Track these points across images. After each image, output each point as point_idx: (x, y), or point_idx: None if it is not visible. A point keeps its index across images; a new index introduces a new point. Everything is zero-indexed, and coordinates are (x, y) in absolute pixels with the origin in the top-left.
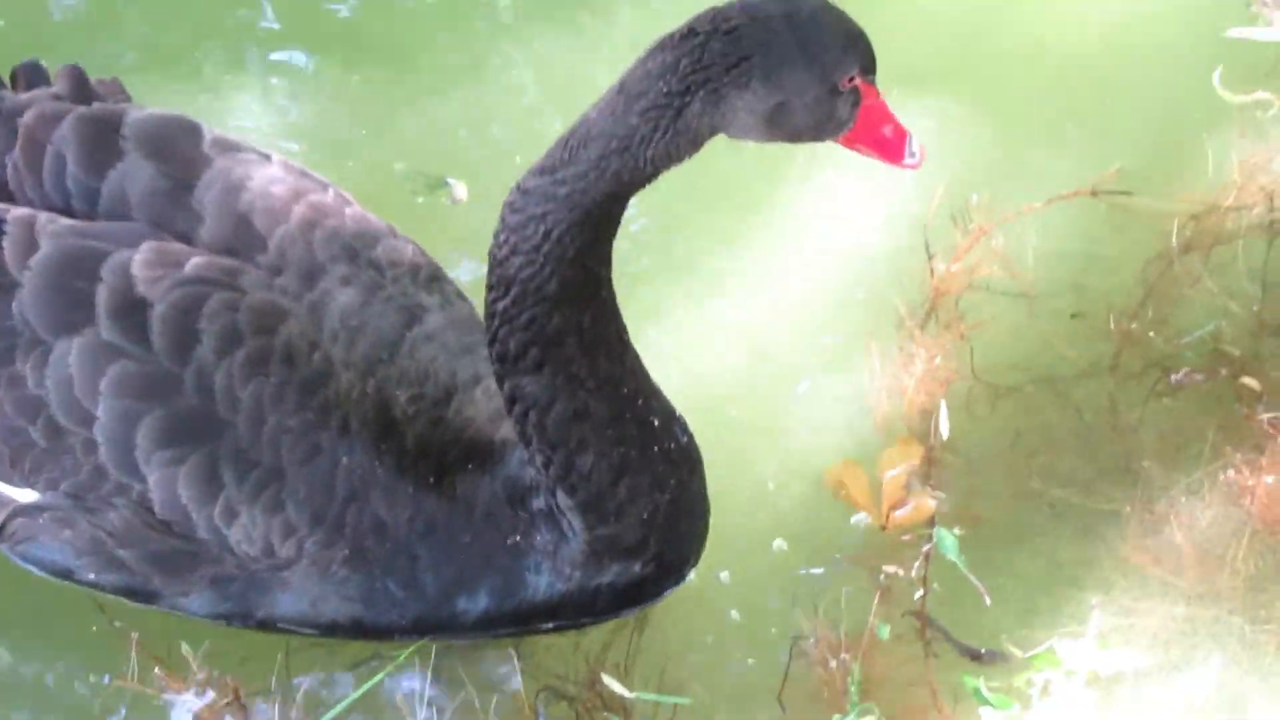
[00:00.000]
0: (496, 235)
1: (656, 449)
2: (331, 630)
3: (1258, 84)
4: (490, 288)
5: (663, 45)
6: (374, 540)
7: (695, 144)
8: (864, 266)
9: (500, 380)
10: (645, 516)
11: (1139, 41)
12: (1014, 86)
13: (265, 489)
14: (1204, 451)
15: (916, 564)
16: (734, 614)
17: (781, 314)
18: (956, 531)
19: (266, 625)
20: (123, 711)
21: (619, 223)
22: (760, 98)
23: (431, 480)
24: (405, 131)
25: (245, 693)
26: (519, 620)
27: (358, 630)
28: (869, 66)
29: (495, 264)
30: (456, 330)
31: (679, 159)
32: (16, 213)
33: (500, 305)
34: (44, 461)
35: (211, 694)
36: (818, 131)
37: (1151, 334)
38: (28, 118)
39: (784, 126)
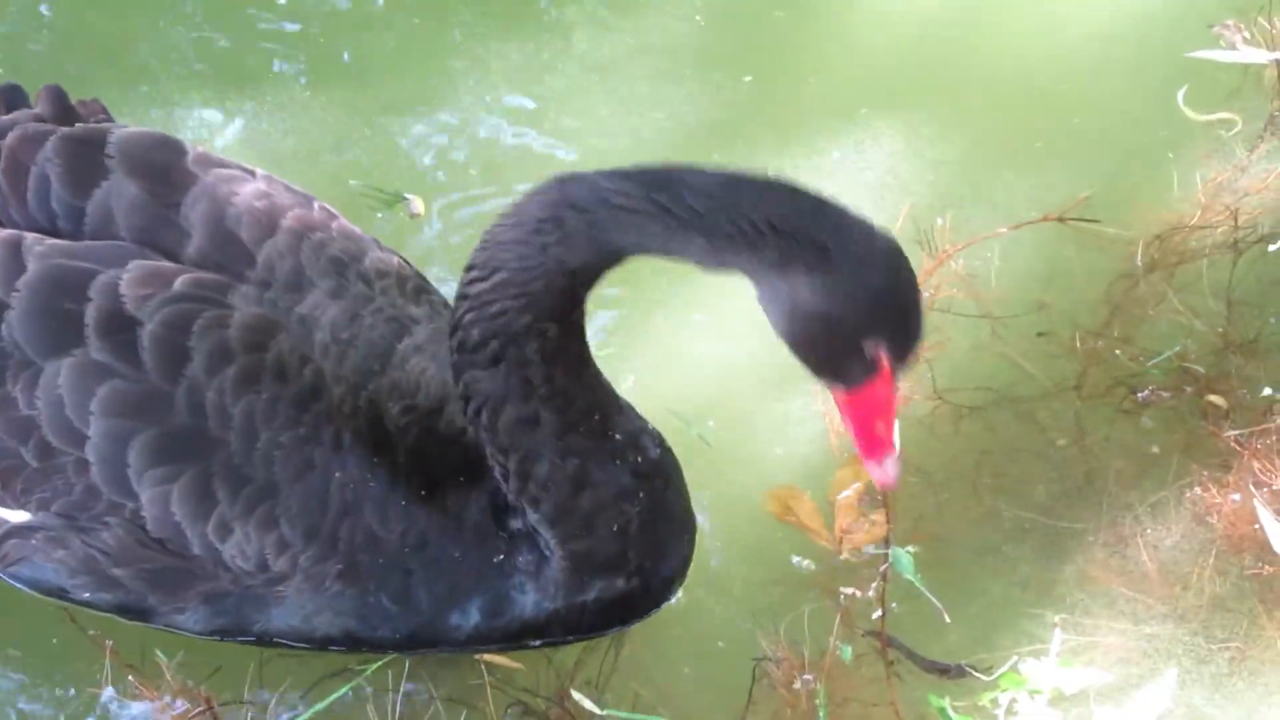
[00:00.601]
0: (505, 216)
1: (619, 462)
2: (325, 645)
3: (1221, 104)
4: (471, 268)
5: (791, 189)
6: (367, 555)
7: (718, 268)
8: None
9: (457, 373)
10: (616, 529)
11: (1104, 62)
12: (982, 106)
13: (259, 505)
14: (1170, 470)
15: (874, 584)
16: (698, 636)
17: (745, 335)
18: (912, 549)
19: (261, 640)
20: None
21: (621, 260)
22: (807, 291)
23: (424, 493)
24: (361, 149)
25: (217, 702)
26: (510, 637)
27: (351, 644)
28: (901, 353)
29: (490, 244)
30: (445, 341)
31: (704, 264)
32: (2, 234)
33: (475, 288)
34: (36, 482)
35: (184, 704)
36: (821, 365)
37: (1117, 352)
38: (10, 139)
39: (797, 330)
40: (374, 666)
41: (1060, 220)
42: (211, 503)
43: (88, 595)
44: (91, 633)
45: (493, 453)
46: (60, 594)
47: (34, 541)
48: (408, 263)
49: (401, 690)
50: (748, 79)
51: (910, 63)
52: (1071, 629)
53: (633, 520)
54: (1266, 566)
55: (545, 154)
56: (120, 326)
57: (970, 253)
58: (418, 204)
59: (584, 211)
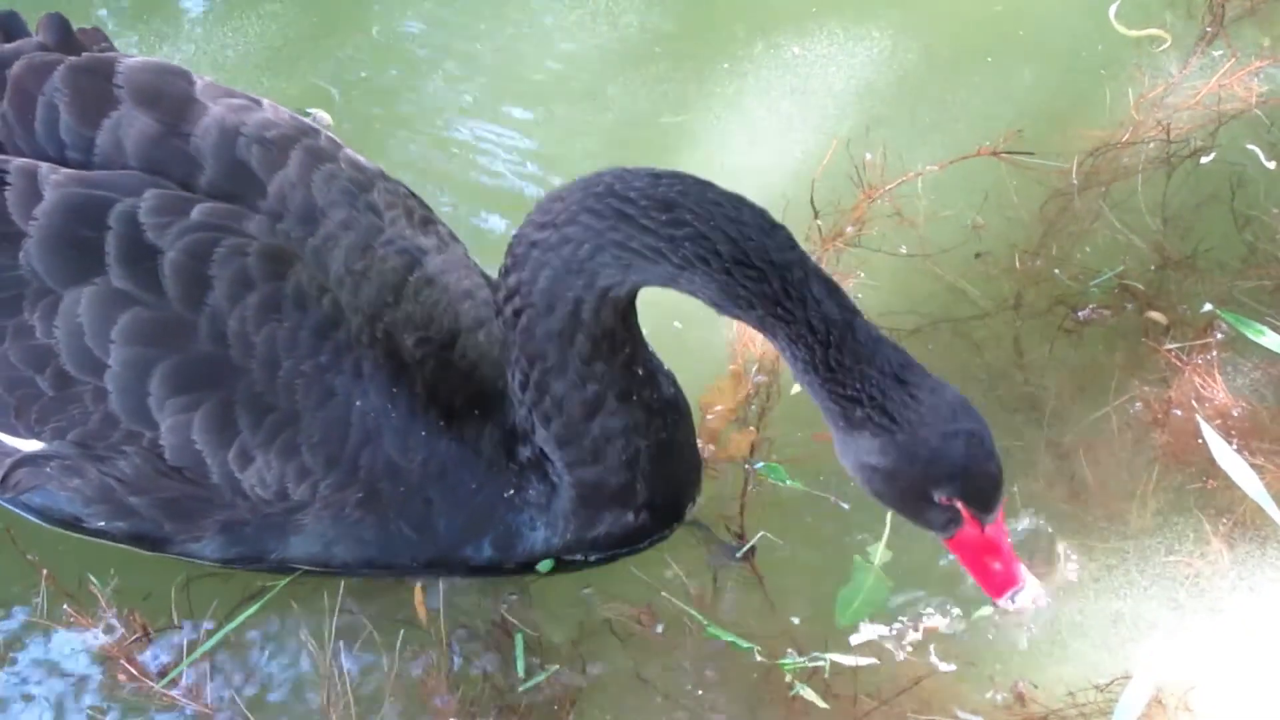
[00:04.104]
0: (593, 181)
1: (636, 396)
2: (343, 571)
3: (1153, 18)
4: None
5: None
6: (388, 483)
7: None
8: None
9: (511, 255)
10: (625, 459)
11: None
12: (933, 15)
13: (280, 433)
14: (1111, 386)
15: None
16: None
17: None
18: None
19: (278, 568)
20: (30, 647)
21: None
22: (870, 451)
23: (442, 424)
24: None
25: (152, 628)
26: (524, 567)
27: (370, 571)
28: (975, 502)
29: (582, 199)
30: (455, 273)
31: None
32: (18, 163)
33: (563, 193)
34: (51, 411)
35: (120, 630)
36: (908, 515)
37: (1056, 271)
38: (16, 69)
39: (873, 485)
40: (284, 582)
41: (994, 154)
42: (233, 431)
43: (102, 524)
44: (30, 557)
45: (518, 356)
46: (74, 522)
47: (48, 470)
48: (413, 193)
49: (338, 609)
50: None
51: None
52: (1019, 546)
53: (641, 453)
54: (1210, 480)
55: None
56: (141, 254)
57: (906, 172)
58: (324, 116)
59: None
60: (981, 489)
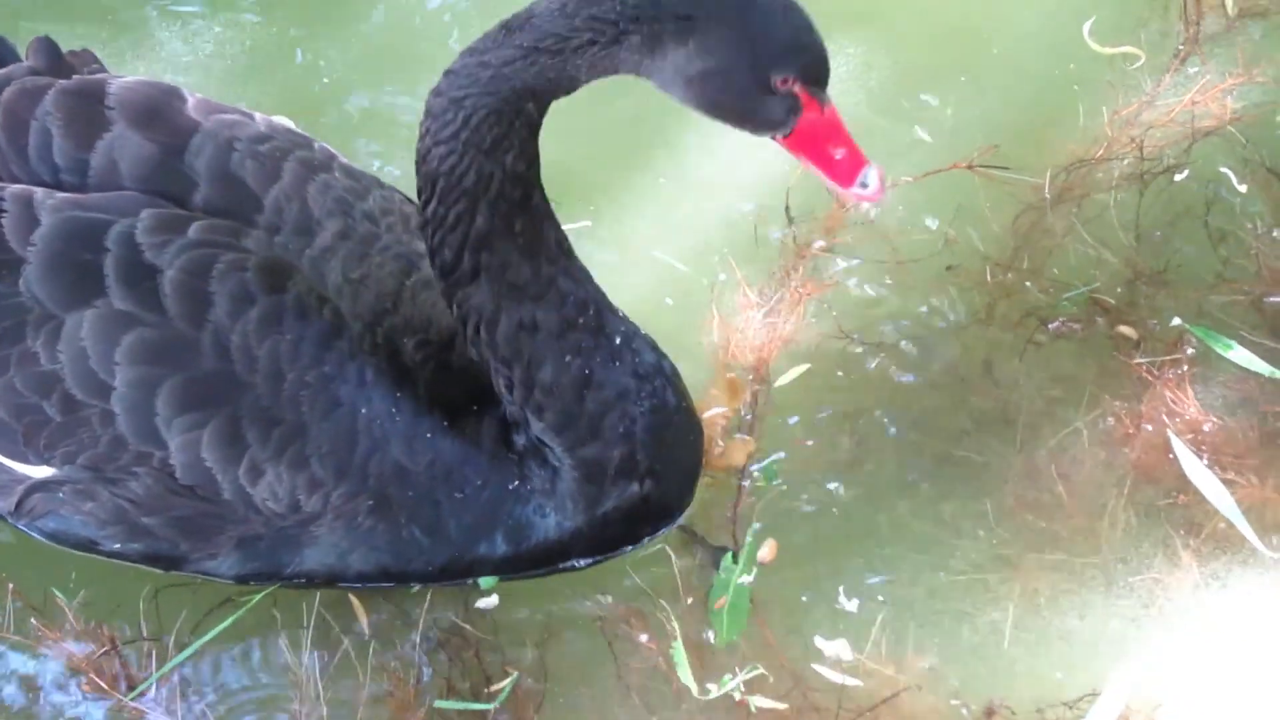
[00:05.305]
0: (420, 126)
1: (618, 363)
2: (360, 582)
3: (1128, 35)
4: (420, 191)
5: None
6: (397, 488)
7: (620, 71)
8: (743, 213)
9: (448, 299)
10: (622, 432)
11: None
12: (908, 30)
13: (289, 445)
14: (1082, 401)
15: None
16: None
17: (648, 264)
18: (774, 472)
19: (293, 581)
20: None
21: (538, 127)
22: (689, 59)
23: (445, 424)
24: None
25: (120, 640)
26: (538, 562)
27: (386, 580)
28: (812, 77)
29: (420, 161)
30: None
31: (602, 75)
32: (13, 189)
33: (430, 209)
34: (60, 436)
35: (89, 644)
36: (744, 120)
37: (1028, 284)
38: (7, 94)
39: (704, 97)
40: (257, 598)
41: (969, 168)
42: (242, 446)
43: (118, 545)
44: None
45: (497, 367)
46: (89, 545)
47: (60, 495)
48: (409, 199)
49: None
50: None
51: None
52: (989, 560)
53: (637, 422)
54: (1181, 496)
55: None
56: (141, 275)
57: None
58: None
59: (471, 84)
60: (817, 58)
